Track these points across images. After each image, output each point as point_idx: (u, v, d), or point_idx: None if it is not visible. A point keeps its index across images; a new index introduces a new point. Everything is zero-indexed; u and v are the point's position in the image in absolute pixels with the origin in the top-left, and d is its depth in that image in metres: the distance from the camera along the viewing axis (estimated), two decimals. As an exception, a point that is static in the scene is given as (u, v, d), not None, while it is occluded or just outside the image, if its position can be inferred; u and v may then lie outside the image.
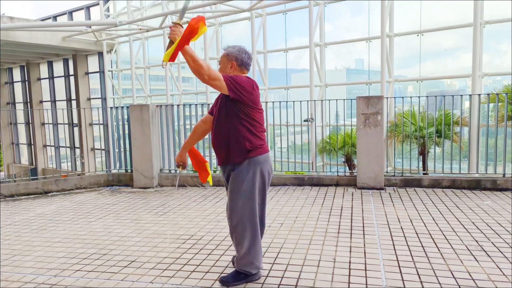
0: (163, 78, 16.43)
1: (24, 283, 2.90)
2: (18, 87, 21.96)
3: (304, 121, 6.46)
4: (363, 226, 3.90)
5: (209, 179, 3.03)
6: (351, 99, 5.63)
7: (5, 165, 20.21)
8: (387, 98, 5.62)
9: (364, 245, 3.40)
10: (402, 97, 5.49)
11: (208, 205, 4.96)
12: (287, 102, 6.07)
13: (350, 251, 3.26)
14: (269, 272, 2.92)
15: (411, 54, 12.20)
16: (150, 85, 17.26)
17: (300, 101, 5.99)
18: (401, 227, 3.85)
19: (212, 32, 14.32)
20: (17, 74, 21.93)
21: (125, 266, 3.11)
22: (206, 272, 2.95)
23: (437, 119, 7.19)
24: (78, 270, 3.08)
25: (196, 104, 6.48)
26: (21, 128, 21.94)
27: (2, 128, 21.48)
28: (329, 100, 5.85)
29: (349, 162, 9.76)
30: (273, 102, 5.93)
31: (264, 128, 2.66)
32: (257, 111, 2.57)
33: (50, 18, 19.86)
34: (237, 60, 2.60)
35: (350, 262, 3.04)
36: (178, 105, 6.62)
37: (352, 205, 4.70)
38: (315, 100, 6.92)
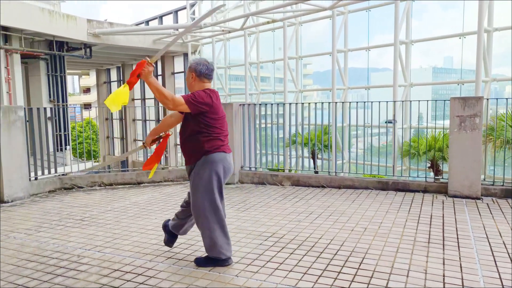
0: (242, 78, 16.87)
1: (124, 264, 3.19)
2: (114, 86, 24.27)
3: (389, 122, 6.13)
4: (457, 238, 3.60)
5: (152, 171, 3.38)
6: (444, 100, 5.22)
7: (102, 156, 22.48)
8: (487, 99, 5.10)
9: (460, 258, 3.13)
10: (506, 99, 4.94)
11: (288, 204, 4.98)
12: (372, 102, 5.80)
13: (444, 264, 3.03)
14: (354, 277, 2.84)
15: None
16: (229, 84, 17.88)
17: (387, 102, 5.71)
18: (503, 242, 3.47)
19: (292, 31, 14.34)
20: (113, 74, 24.26)
21: (212, 258, 3.25)
22: (289, 271, 2.96)
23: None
24: (170, 258, 3.31)
25: (273, 104, 6.56)
26: (115, 124, 24.23)
27: (100, 123, 23.93)
28: (419, 101, 5.47)
29: (435, 167, 9.07)
30: (357, 102, 5.71)
31: (225, 132, 3.00)
32: (216, 119, 2.93)
33: (143, 22, 21.61)
34: (195, 72, 2.96)
35: (444, 276, 2.83)
36: (259, 104, 6.74)
37: (443, 214, 4.36)
38: (402, 101, 6.52)
